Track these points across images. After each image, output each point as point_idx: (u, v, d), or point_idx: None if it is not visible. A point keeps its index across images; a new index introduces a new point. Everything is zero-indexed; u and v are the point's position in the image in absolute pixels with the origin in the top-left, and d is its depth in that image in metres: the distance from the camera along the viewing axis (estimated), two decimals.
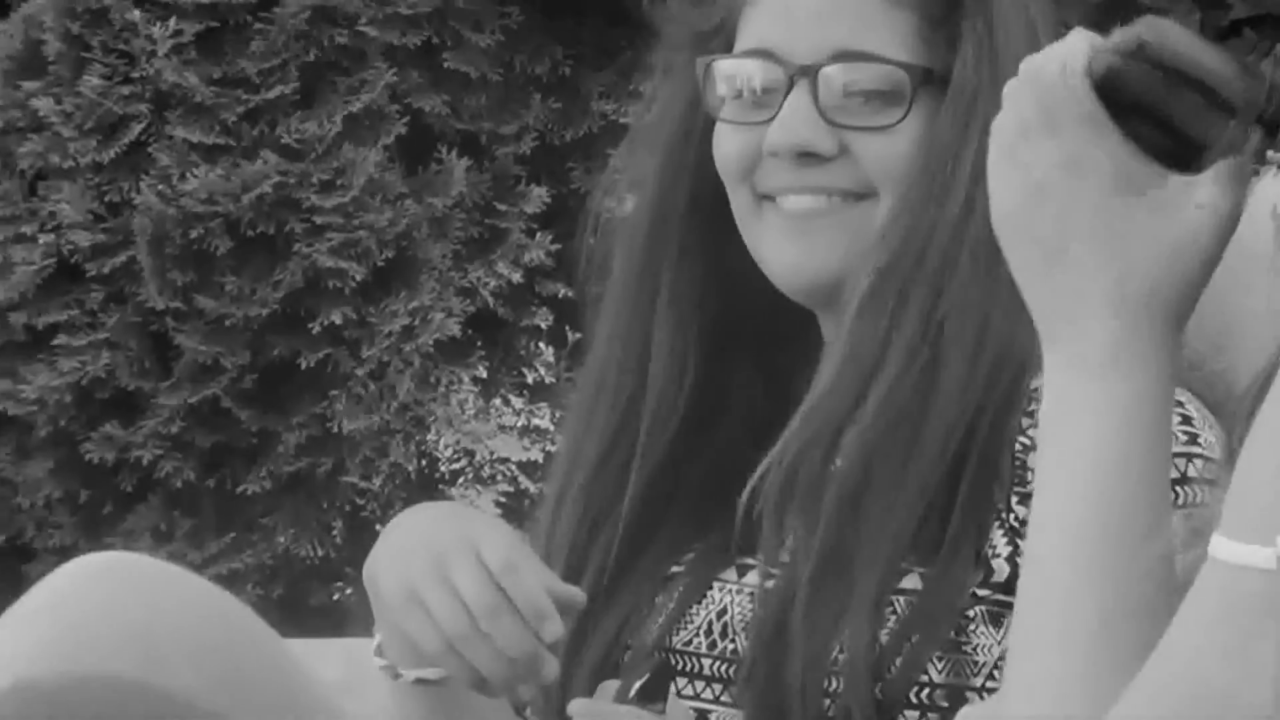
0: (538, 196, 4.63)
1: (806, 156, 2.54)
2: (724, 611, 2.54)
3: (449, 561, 2.31)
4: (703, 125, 2.65)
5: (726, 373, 2.66)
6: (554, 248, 4.67)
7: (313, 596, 4.48)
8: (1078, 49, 1.86)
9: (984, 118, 2.34)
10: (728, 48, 2.61)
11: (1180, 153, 1.84)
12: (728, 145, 2.58)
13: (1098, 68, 1.87)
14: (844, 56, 2.56)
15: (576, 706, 2.32)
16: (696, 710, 2.41)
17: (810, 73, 2.57)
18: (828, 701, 2.37)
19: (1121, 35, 1.89)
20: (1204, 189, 1.84)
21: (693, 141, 2.64)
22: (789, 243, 2.58)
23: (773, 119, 2.54)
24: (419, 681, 2.42)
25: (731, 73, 2.61)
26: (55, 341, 4.60)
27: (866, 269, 2.54)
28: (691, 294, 2.62)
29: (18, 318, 4.53)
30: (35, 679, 2.12)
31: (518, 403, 4.60)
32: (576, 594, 2.33)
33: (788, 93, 2.56)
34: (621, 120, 4.67)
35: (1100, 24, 2.06)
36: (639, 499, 2.57)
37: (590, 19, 5.26)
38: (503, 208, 4.57)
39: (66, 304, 4.58)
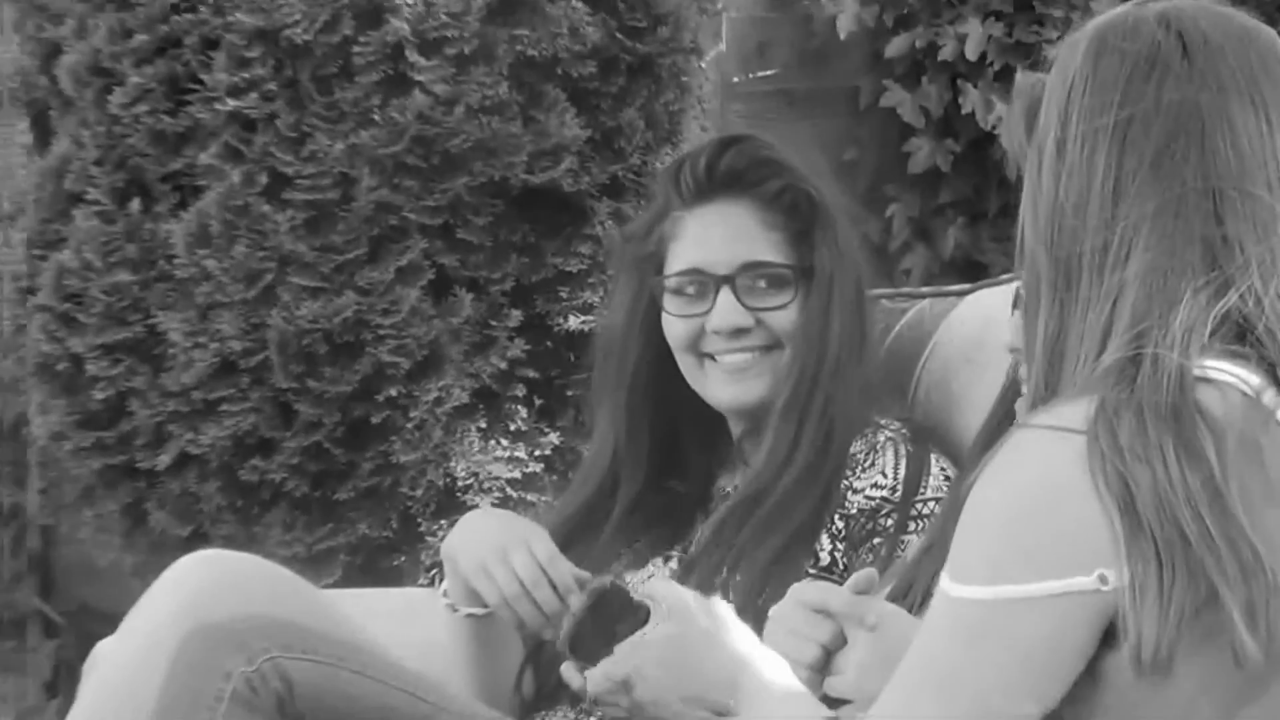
0: (516, 317, 5.17)
1: (737, 331, 3.19)
2: (651, 574, 3.18)
3: (509, 550, 2.96)
4: (644, 309, 3.30)
5: (669, 452, 3.34)
6: (527, 349, 5.20)
7: (379, 564, 5.17)
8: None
9: (840, 293, 3.19)
10: (660, 267, 3.26)
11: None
12: (677, 328, 3.23)
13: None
14: (749, 266, 3.20)
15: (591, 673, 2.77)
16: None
17: (730, 280, 3.18)
18: None
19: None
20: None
21: (636, 319, 3.30)
22: (729, 386, 3.23)
23: (709, 311, 3.18)
24: (469, 615, 3.11)
25: (675, 286, 3.23)
26: (220, 408, 5.09)
27: (781, 395, 3.18)
28: (644, 407, 3.30)
29: (199, 394, 5.08)
30: (208, 625, 2.71)
31: (505, 442, 5.25)
32: (588, 577, 2.91)
33: (717, 293, 3.18)
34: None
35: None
36: (615, 524, 3.25)
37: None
38: (494, 324, 5.17)
39: (226, 384, 5.11)
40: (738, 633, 2.50)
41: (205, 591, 2.77)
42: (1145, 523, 1.92)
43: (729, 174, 3.18)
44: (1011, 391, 2.81)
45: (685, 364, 3.20)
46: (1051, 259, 2.08)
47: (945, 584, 2.03)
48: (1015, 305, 2.64)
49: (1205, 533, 1.91)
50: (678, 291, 3.19)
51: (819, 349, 3.15)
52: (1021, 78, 2.19)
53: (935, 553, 2.69)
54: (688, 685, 2.50)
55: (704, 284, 3.16)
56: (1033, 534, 1.97)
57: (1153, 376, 1.97)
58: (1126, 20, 2.11)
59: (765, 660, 2.43)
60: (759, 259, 3.17)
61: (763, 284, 3.17)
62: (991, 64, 6.34)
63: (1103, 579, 1.94)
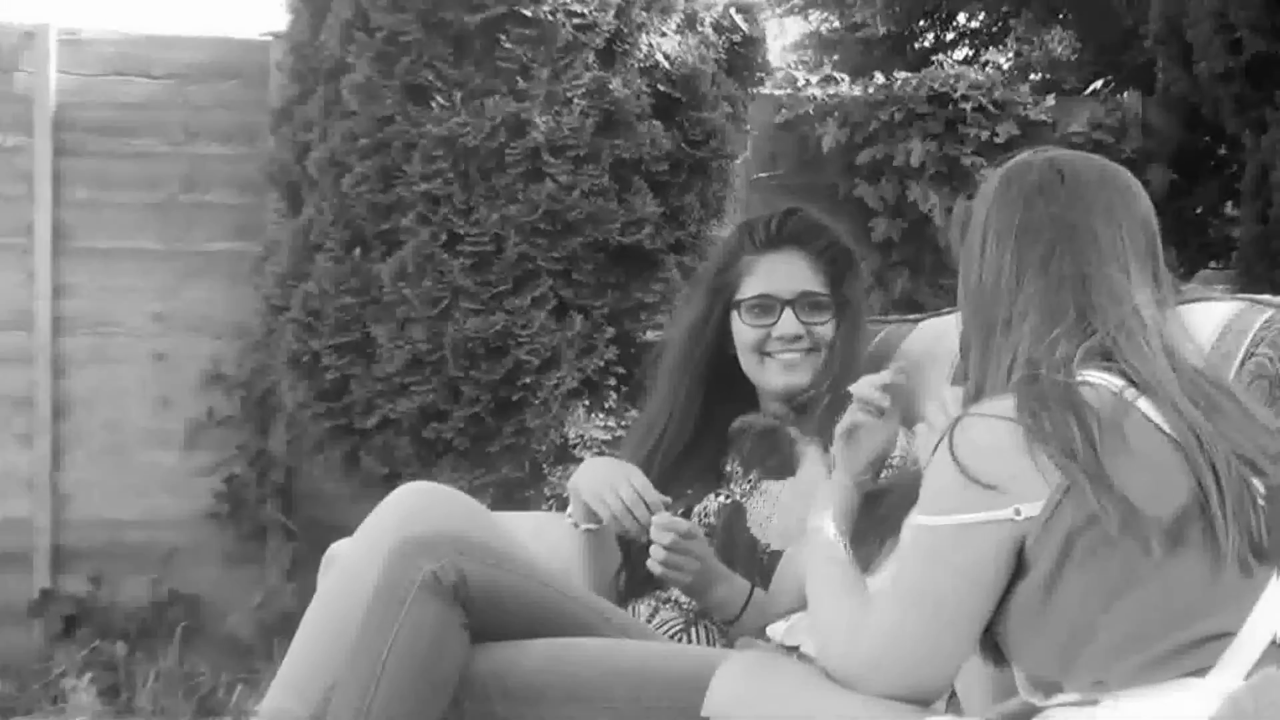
0: (610, 332, 5.11)
1: (795, 338, 3.05)
2: (705, 510, 3.04)
3: (616, 483, 2.86)
4: (715, 321, 3.13)
5: (710, 421, 3.15)
6: (617, 354, 5.12)
7: (514, 496, 4.94)
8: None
9: (858, 316, 3.10)
10: (733, 293, 3.10)
11: None
12: (748, 335, 3.07)
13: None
14: (804, 295, 3.06)
15: (661, 522, 2.77)
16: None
17: (791, 303, 3.06)
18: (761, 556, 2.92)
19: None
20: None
21: (706, 327, 3.13)
22: (783, 375, 3.08)
23: (775, 323, 3.05)
24: (586, 530, 2.96)
25: (750, 305, 3.07)
26: (411, 389, 5.01)
27: (820, 386, 3.03)
28: (696, 390, 3.14)
29: (397, 379, 5.03)
30: (410, 536, 2.58)
31: (600, 416, 5.10)
32: (669, 500, 2.84)
33: (781, 312, 3.05)
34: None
35: None
36: (662, 471, 3.03)
37: None
38: (595, 336, 5.09)
39: (415, 373, 5.02)
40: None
41: (410, 512, 2.72)
42: (1054, 470, 1.92)
43: (792, 233, 3.11)
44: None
45: (749, 360, 3.10)
46: (977, 321, 2.10)
47: (913, 516, 2.03)
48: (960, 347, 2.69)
49: (1090, 476, 1.90)
50: (751, 309, 3.07)
51: (844, 354, 3.07)
52: (957, 205, 2.22)
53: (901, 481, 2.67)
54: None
55: (771, 305, 3.06)
56: (973, 481, 1.95)
57: (1043, 386, 1.98)
58: (1027, 162, 2.15)
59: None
60: (811, 289, 3.07)
61: (811, 307, 3.07)
62: (928, 169, 6.23)
63: (1017, 511, 1.93)
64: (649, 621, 2.94)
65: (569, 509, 3.00)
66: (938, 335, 3.15)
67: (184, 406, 5.95)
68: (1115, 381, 1.99)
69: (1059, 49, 7.71)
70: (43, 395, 5.85)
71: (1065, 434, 1.91)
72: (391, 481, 4.71)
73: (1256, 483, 1.93)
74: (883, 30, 8.04)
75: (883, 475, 2.77)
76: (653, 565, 2.76)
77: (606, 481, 2.88)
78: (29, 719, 4.87)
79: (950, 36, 8.70)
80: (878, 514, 2.69)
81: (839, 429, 2.57)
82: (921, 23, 8.51)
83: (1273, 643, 1.88)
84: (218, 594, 5.87)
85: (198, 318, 5.96)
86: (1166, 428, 1.95)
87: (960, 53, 8.58)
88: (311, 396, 5.23)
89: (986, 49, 8.62)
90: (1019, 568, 1.95)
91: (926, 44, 8.67)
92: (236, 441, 5.96)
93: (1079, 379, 1.99)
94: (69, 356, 5.90)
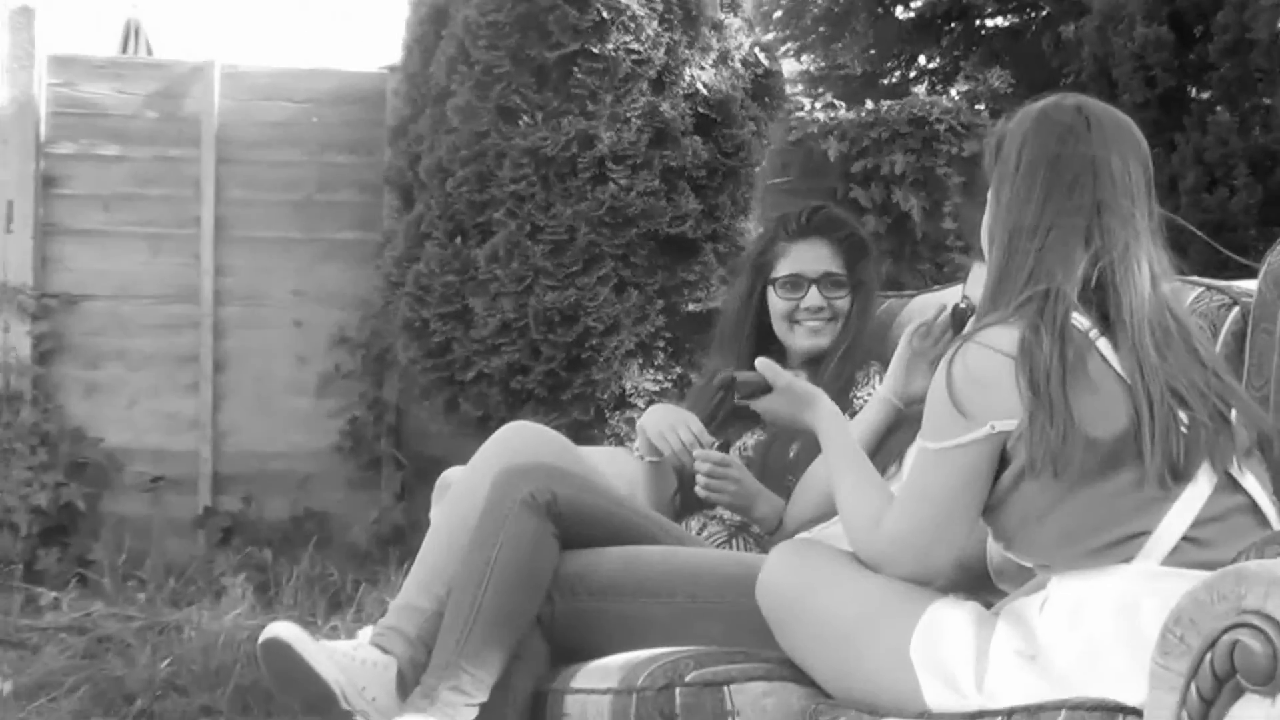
0: (660, 305, 5.10)
1: (818, 309, 3.02)
2: (744, 445, 3.01)
3: (676, 424, 2.86)
4: (757, 295, 3.09)
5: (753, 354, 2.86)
6: (665, 321, 5.10)
7: (583, 435, 4.81)
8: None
9: (870, 294, 3.05)
10: (769, 271, 3.06)
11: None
12: (781, 305, 3.04)
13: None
14: (827, 274, 3.03)
15: (700, 454, 2.78)
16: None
17: (816, 280, 3.03)
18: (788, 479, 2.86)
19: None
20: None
21: (751, 300, 3.10)
22: (808, 339, 3.04)
23: (803, 297, 3.02)
24: (650, 461, 2.94)
25: (783, 281, 3.03)
26: (501, 349, 5.00)
27: (839, 345, 3.01)
28: (746, 351, 3.02)
29: (490, 341, 5.02)
30: (512, 465, 2.56)
31: (651, 371, 5.07)
32: (715, 441, 2.83)
33: (809, 288, 3.03)
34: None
35: None
36: (718, 419, 2.96)
37: None
38: (648, 308, 5.08)
39: (504, 336, 5.01)
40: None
41: (511, 446, 2.69)
42: (1033, 394, 1.91)
43: (818, 224, 3.07)
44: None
45: (780, 326, 3.06)
46: (1004, 234, 2.06)
47: (920, 440, 2.04)
48: (975, 258, 2.62)
49: (1052, 405, 1.90)
50: (784, 285, 3.05)
51: (857, 324, 3.05)
52: (995, 125, 2.19)
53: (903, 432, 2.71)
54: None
55: (800, 282, 3.03)
56: (961, 412, 1.96)
57: (1054, 305, 1.96)
58: (1059, 104, 2.11)
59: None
60: (833, 270, 3.04)
61: (833, 285, 3.05)
62: (908, 177, 6.13)
63: (992, 428, 1.94)
64: (699, 534, 2.92)
65: (636, 444, 2.97)
66: (927, 306, 3.12)
67: (316, 363, 5.96)
68: (1083, 321, 1.97)
69: (999, 84, 7.92)
70: (205, 353, 5.89)
71: (1047, 357, 1.90)
72: (484, 424, 4.95)
73: (1182, 414, 1.92)
74: (860, 70, 8.12)
75: (857, 404, 2.87)
76: (699, 489, 2.77)
77: (668, 423, 2.86)
78: (196, 608, 4.87)
79: (913, 74, 8.65)
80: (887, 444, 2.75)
81: (906, 345, 2.67)
82: (890, 63, 8.49)
83: (1183, 538, 1.89)
84: (343, 511, 5.88)
85: (328, 292, 5.97)
86: (1117, 367, 1.94)
87: (920, 88, 8.50)
88: (421, 354, 5.21)
89: (941, 85, 8.53)
90: (1002, 460, 1.97)
91: (894, 80, 8.67)
92: (358, 390, 5.94)
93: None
94: (226, 322, 5.94)
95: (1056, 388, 1.89)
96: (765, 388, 2.47)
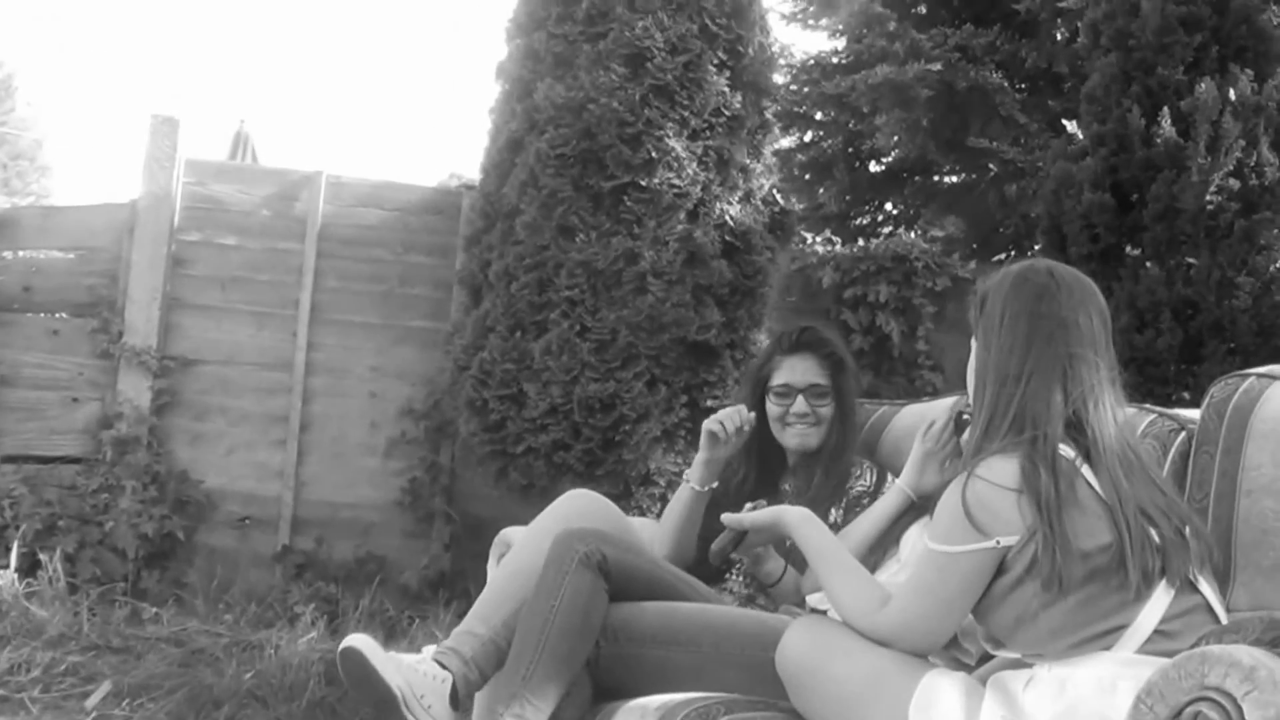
0: (684, 400, 4.98)
1: (804, 415, 2.94)
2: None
3: (732, 414, 2.82)
4: (759, 400, 3.01)
5: (766, 459, 3.02)
6: (688, 414, 4.98)
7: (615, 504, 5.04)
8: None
9: (849, 401, 2.96)
10: (767, 382, 2.99)
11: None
12: (775, 410, 2.97)
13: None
14: (811, 385, 2.95)
15: (727, 518, 2.49)
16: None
17: (803, 390, 2.95)
18: None
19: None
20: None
21: (752, 400, 3.00)
22: (797, 438, 2.97)
23: (792, 405, 2.95)
24: (695, 490, 2.89)
25: (776, 391, 2.97)
26: (548, 429, 4.88)
27: (826, 446, 2.94)
28: (754, 445, 2.97)
29: (539, 421, 4.91)
30: (570, 528, 2.54)
31: (674, 455, 4.91)
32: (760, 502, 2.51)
33: (796, 397, 2.95)
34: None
35: None
36: (734, 495, 2.85)
37: None
38: (675, 402, 4.97)
39: (552, 418, 4.86)
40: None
41: (570, 511, 2.67)
42: (1031, 515, 1.91)
43: (805, 342, 3.01)
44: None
45: (775, 427, 3.00)
46: (994, 372, 2.03)
47: (927, 541, 2.01)
48: (958, 415, 2.64)
49: (1051, 526, 1.89)
50: (777, 393, 2.99)
51: (840, 427, 2.98)
52: (977, 284, 2.15)
53: (906, 518, 2.67)
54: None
55: (789, 392, 2.98)
56: (972, 525, 1.93)
57: (1043, 445, 1.95)
58: (1032, 267, 2.09)
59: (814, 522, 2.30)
60: (817, 382, 2.98)
61: (816, 394, 2.98)
62: (890, 304, 6.05)
63: (997, 543, 1.92)
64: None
65: (686, 473, 2.90)
66: (918, 414, 3.08)
67: (386, 429, 5.87)
68: (1070, 452, 1.95)
69: (953, 231, 8.01)
70: (294, 415, 5.84)
71: (1046, 489, 1.88)
72: (527, 490, 4.96)
73: (1153, 532, 1.91)
74: (835, 209, 8.24)
75: (853, 493, 2.79)
76: (727, 521, 2.57)
77: (724, 413, 2.85)
78: (274, 631, 4.82)
79: (880, 218, 8.61)
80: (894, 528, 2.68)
81: (922, 446, 2.60)
82: (863, 206, 8.55)
83: (1155, 631, 1.88)
84: (399, 557, 5.73)
85: (400, 371, 5.90)
86: (1099, 490, 1.92)
87: (885, 230, 8.55)
88: (480, 428, 5.16)
89: (903, 228, 8.53)
90: (1000, 569, 1.94)
91: (864, 221, 8.62)
92: (419, 455, 5.86)
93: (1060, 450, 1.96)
94: (313, 390, 5.87)
95: (1056, 515, 1.87)
96: (739, 537, 2.41)
